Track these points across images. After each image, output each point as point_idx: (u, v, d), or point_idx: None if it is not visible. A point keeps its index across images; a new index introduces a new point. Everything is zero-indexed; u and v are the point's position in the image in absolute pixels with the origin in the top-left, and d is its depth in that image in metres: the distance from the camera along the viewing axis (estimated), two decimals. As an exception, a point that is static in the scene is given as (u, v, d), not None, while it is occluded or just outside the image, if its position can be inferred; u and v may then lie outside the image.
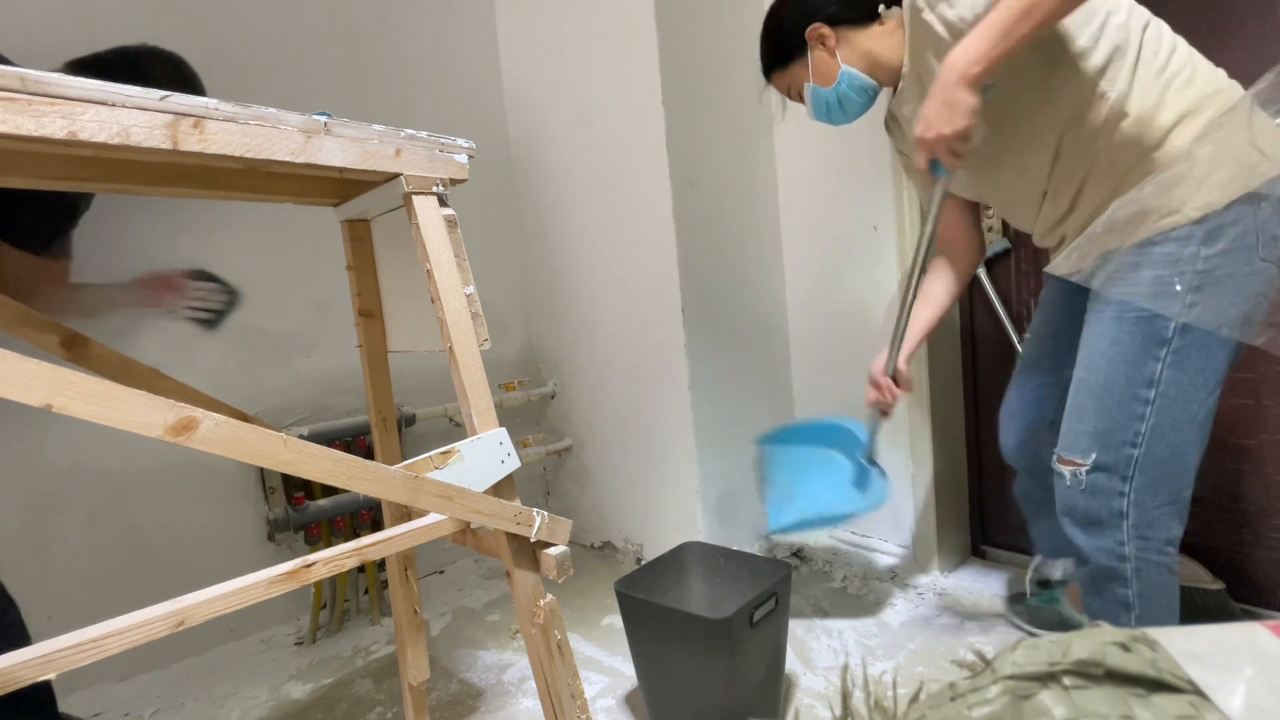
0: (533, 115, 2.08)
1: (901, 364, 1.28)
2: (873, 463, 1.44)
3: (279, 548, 1.69)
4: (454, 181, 0.82)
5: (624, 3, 1.69)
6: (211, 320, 1.50)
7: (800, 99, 1.18)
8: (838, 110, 1.15)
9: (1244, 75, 1.26)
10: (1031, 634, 1.40)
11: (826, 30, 1.09)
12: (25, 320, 0.84)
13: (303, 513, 1.59)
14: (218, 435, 0.57)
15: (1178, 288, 0.90)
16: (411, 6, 1.97)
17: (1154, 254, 0.91)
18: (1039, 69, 0.95)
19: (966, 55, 0.87)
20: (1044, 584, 1.45)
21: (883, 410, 1.32)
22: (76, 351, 0.86)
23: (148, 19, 1.52)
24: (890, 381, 1.28)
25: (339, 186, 0.90)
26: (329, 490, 1.65)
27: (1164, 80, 0.92)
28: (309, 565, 0.66)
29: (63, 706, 1.44)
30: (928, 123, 0.93)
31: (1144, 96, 0.91)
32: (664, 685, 1.16)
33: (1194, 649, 0.34)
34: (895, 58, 1.08)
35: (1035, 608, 1.44)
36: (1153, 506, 0.94)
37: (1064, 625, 1.36)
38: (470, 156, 0.84)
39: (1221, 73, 0.97)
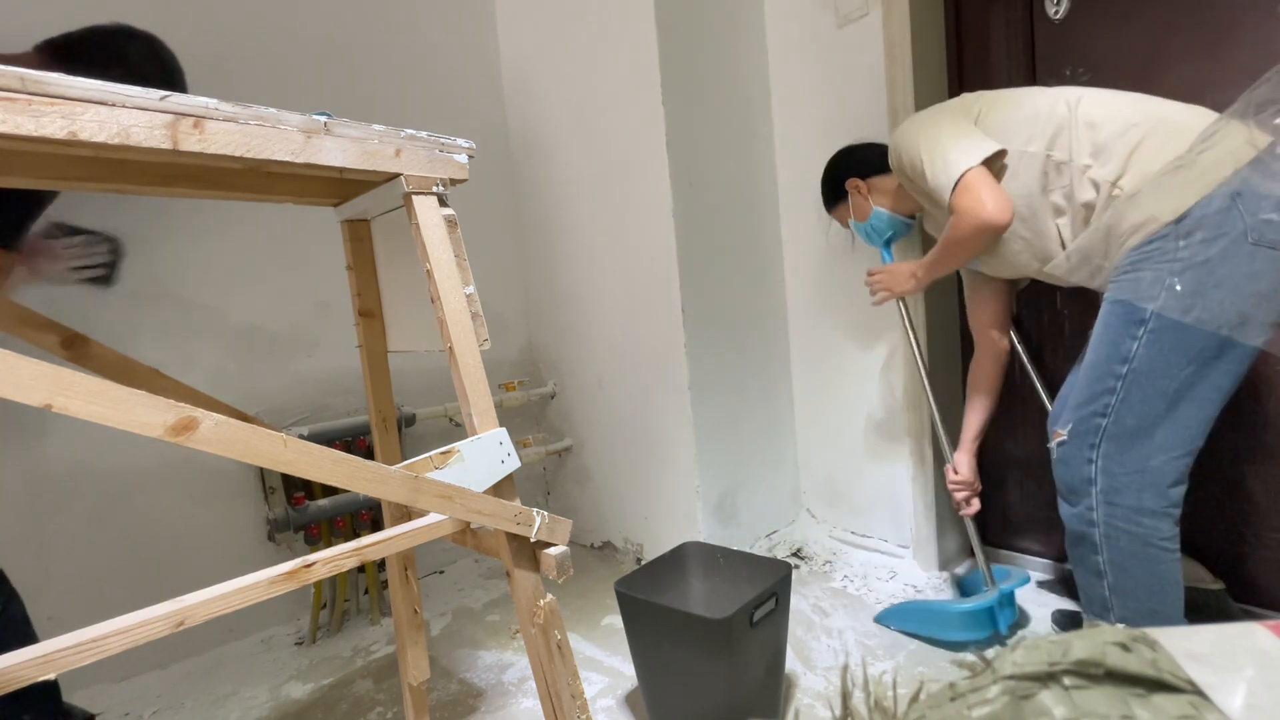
0: (533, 115, 2.08)
1: (961, 459, 1.48)
2: (994, 585, 1.38)
3: (279, 548, 1.69)
4: (454, 181, 0.82)
5: (624, 3, 1.69)
6: (103, 276, 1.37)
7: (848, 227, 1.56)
8: (876, 237, 1.49)
9: (1244, 75, 1.26)
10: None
11: (859, 182, 1.45)
12: (25, 320, 0.84)
13: (303, 513, 1.59)
14: (218, 435, 0.57)
15: (1178, 287, 0.95)
16: (411, 7, 1.97)
17: (1143, 253, 1.00)
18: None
19: (921, 266, 1.34)
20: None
21: (956, 506, 1.49)
22: (76, 351, 0.86)
23: (147, 18, 1.52)
24: (958, 476, 1.47)
25: (339, 186, 0.90)
26: (329, 490, 1.65)
27: (1111, 131, 1.05)
28: (309, 565, 0.66)
29: (63, 706, 1.44)
30: (889, 285, 1.44)
31: (1095, 147, 1.06)
32: (664, 685, 1.16)
33: (1194, 649, 0.34)
34: (911, 199, 1.39)
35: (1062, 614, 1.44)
36: (1120, 474, 1.00)
37: None
38: (470, 156, 0.84)
39: (1165, 104, 1.07)
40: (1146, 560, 1.01)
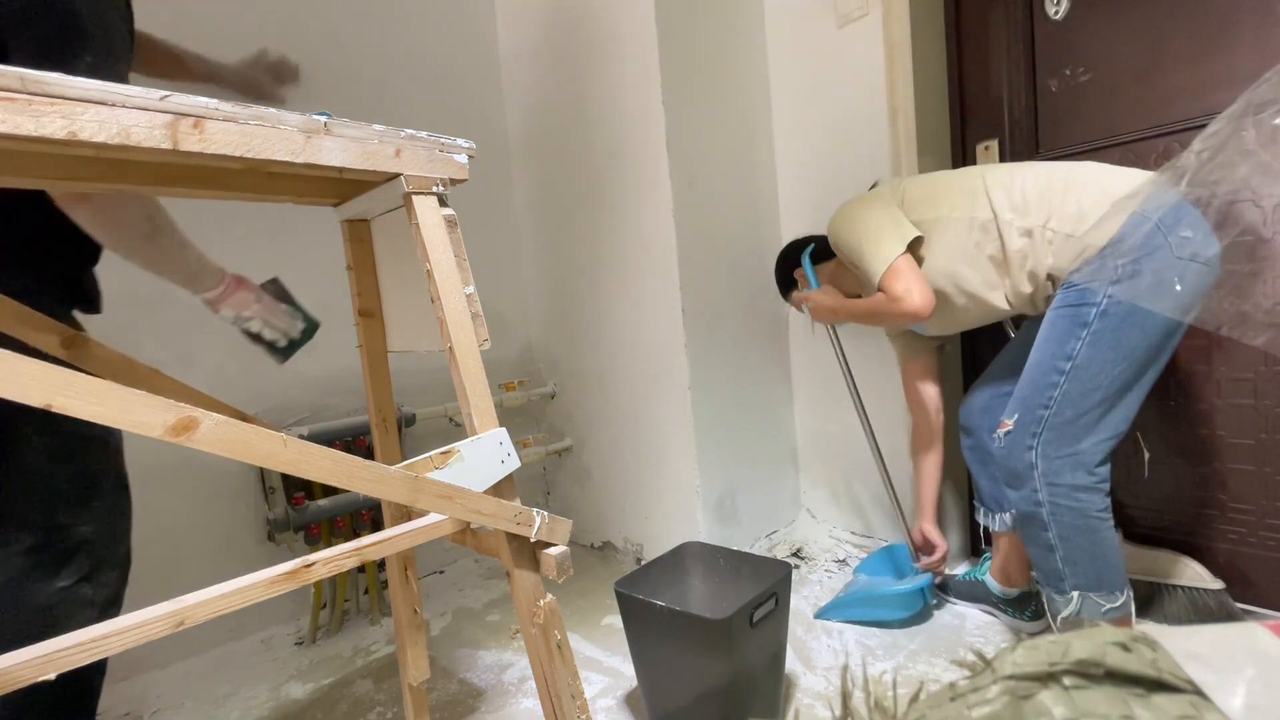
0: (533, 115, 2.08)
1: (928, 528, 1.56)
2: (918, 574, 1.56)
3: (279, 548, 1.69)
4: (454, 181, 0.82)
5: (624, 2, 1.69)
6: (280, 350, 1.21)
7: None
8: None
9: (1244, 76, 1.26)
10: (952, 604, 1.56)
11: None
12: (25, 320, 0.84)
13: (303, 513, 1.59)
14: (218, 435, 0.57)
15: (1104, 287, 1.10)
16: (412, 6, 1.97)
17: (1084, 274, 1.12)
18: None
19: (841, 310, 1.44)
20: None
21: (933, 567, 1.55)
22: (76, 351, 0.86)
23: (143, 17, 1.52)
24: (929, 543, 1.56)
25: (339, 186, 0.90)
26: (329, 490, 1.65)
27: (1025, 187, 1.19)
28: (309, 565, 0.66)
29: (63, 706, 1.44)
30: (812, 309, 1.53)
31: (1014, 204, 1.20)
32: (664, 685, 1.16)
33: (1194, 649, 0.34)
34: (852, 279, 1.49)
35: (960, 582, 1.55)
36: (1055, 458, 1.13)
37: (987, 595, 1.49)
38: (470, 156, 0.84)
39: (1063, 164, 1.21)
40: (1087, 530, 1.13)
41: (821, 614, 1.56)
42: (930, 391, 1.54)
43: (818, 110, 1.81)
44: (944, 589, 1.58)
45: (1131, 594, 1.16)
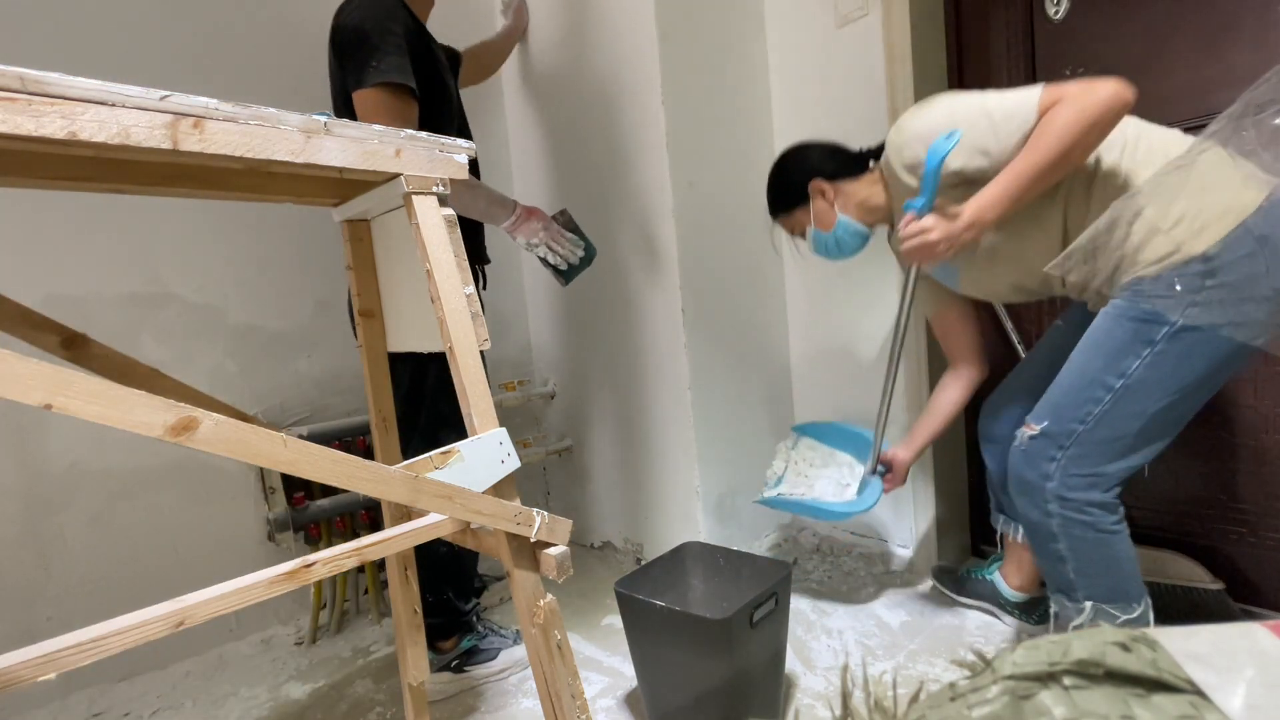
0: (532, 115, 2.08)
1: (902, 456, 1.43)
2: (874, 473, 1.48)
3: (279, 548, 1.69)
4: (454, 182, 0.82)
5: (625, 1, 1.69)
6: (563, 273, 1.46)
7: (803, 236, 1.36)
8: (835, 250, 1.32)
9: (1244, 75, 1.26)
10: (955, 600, 1.53)
11: (825, 185, 1.28)
12: (25, 320, 0.84)
13: (303, 513, 1.59)
14: (218, 435, 0.57)
15: (1182, 308, 0.97)
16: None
17: (1165, 281, 0.98)
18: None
19: (988, 204, 1.02)
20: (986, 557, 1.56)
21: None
22: (76, 351, 0.86)
23: (144, 15, 1.52)
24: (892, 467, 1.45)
25: (339, 186, 0.90)
26: (329, 490, 1.65)
27: (1124, 140, 1.04)
28: (309, 565, 0.66)
29: (62, 706, 1.44)
30: (947, 236, 1.06)
31: (1112, 155, 1.04)
32: (664, 685, 1.16)
33: (1194, 649, 0.34)
34: (884, 202, 1.27)
35: (968, 580, 1.51)
36: (1075, 475, 1.04)
37: (995, 596, 1.46)
38: (470, 157, 0.84)
39: (1173, 134, 1.06)
40: (1100, 544, 1.06)
41: (766, 502, 1.59)
42: (971, 336, 1.35)
43: (818, 110, 1.81)
44: (949, 587, 1.55)
45: (1149, 603, 1.09)
